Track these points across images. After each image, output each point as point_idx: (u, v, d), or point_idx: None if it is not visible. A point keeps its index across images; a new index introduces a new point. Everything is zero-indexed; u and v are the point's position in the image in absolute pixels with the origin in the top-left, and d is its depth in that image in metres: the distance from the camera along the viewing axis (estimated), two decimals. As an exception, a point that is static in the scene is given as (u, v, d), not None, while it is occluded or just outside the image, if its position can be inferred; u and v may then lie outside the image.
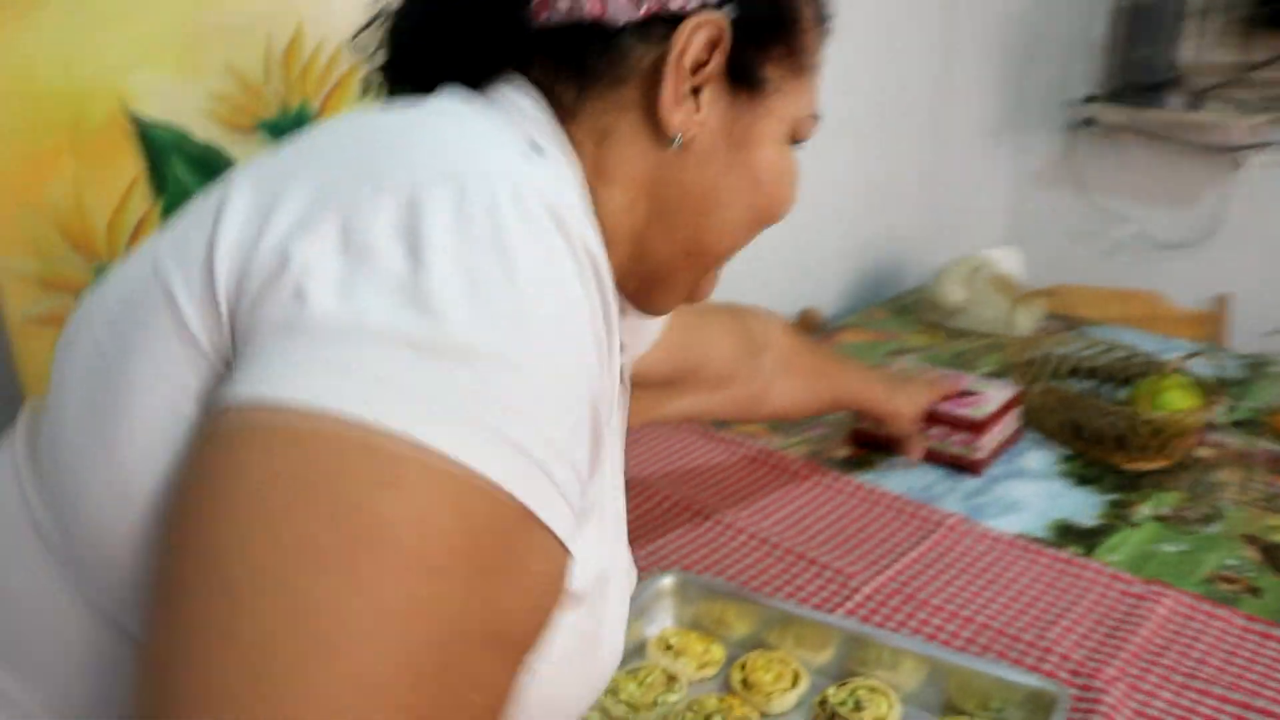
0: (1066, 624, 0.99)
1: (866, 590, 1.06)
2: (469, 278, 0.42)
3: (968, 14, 2.13)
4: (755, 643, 0.96)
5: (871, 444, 1.35)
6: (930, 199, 2.19)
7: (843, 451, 1.36)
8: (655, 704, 0.89)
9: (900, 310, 1.93)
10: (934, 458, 1.31)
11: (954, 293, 1.83)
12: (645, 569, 1.09)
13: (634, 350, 0.86)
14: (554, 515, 0.44)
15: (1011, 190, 2.43)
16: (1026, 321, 1.75)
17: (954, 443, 1.29)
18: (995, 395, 1.32)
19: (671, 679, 0.92)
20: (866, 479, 1.28)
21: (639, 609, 0.99)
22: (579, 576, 0.54)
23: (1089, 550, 1.12)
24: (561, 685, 0.57)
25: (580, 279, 0.46)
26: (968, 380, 1.37)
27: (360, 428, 0.40)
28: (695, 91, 0.59)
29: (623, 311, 0.65)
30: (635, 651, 0.97)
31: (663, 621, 1.01)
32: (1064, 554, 1.10)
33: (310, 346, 0.41)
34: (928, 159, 2.16)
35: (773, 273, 1.83)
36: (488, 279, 0.43)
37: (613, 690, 0.91)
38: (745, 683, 0.91)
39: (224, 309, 0.44)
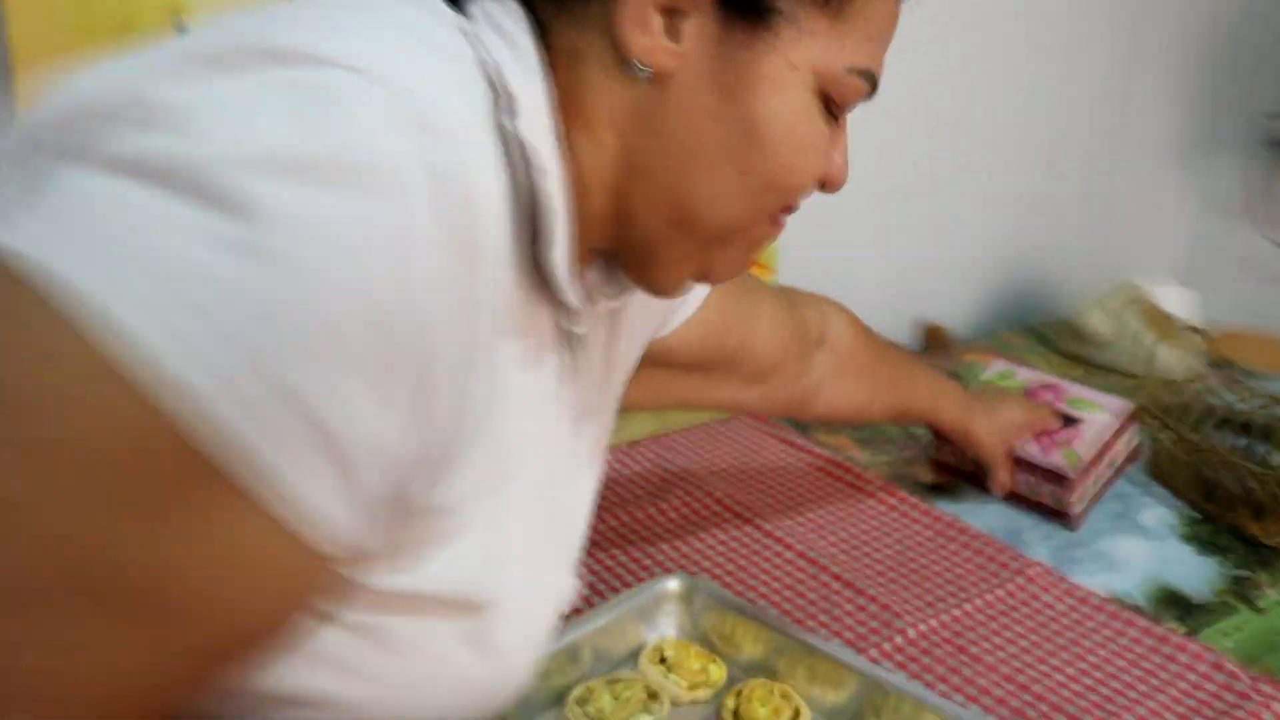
0: (1144, 712, 0.82)
1: (913, 633, 0.91)
2: (267, 151, 0.35)
3: (1160, 23, 1.91)
4: (762, 669, 0.83)
5: (953, 474, 1.19)
6: (1092, 219, 1.98)
7: (931, 476, 1.20)
8: (626, 721, 0.78)
9: (1038, 337, 1.73)
10: (1021, 501, 1.14)
11: (1101, 323, 1.63)
12: (667, 570, 0.97)
13: (650, 322, 0.73)
14: (290, 478, 0.35)
15: (1189, 219, 2.18)
16: (1177, 363, 1.53)
17: (1044, 493, 1.11)
18: (1100, 421, 1.12)
19: (653, 697, 0.80)
20: (949, 509, 1.12)
21: (639, 610, 0.87)
22: (449, 582, 0.47)
23: (1194, 629, 0.93)
24: (421, 696, 0.49)
25: (426, 197, 0.37)
26: (1070, 391, 1.16)
27: (45, 278, 0.31)
28: (672, 14, 0.48)
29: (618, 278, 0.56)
30: (626, 659, 0.86)
31: (663, 629, 0.89)
32: (1160, 628, 0.92)
33: (54, 198, 0.35)
34: (1095, 175, 1.95)
35: (893, 279, 1.67)
36: (287, 154, 0.35)
37: (582, 699, 0.79)
38: (736, 715, 0.78)
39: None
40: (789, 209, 0.55)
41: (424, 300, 0.37)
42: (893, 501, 1.14)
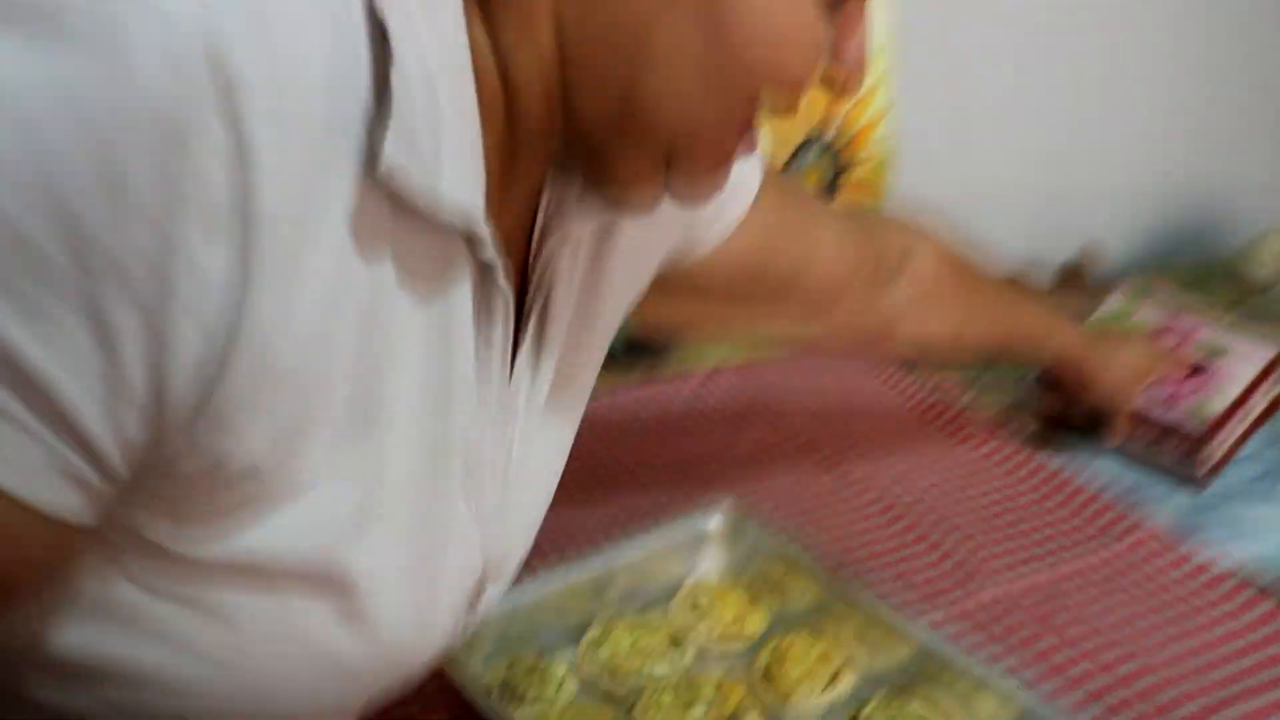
0: (1252, 709, 0.70)
1: (988, 595, 0.80)
2: None
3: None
4: (808, 624, 0.74)
5: (1061, 426, 1.04)
6: (1267, 152, 1.75)
7: (1035, 427, 1.07)
8: (639, 671, 0.70)
9: (1195, 277, 1.54)
10: (1139, 459, 0.99)
11: (1266, 266, 1.44)
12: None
13: (658, 244, 0.62)
14: None
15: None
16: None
17: (1166, 450, 0.97)
18: (1235, 369, 0.96)
19: (676, 644, 0.72)
20: (1057, 461, 0.99)
21: (676, 546, 0.79)
22: (289, 551, 0.41)
23: (1335, 615, 0.79)
24: (280, 677, 0.44)
25: (158, 62, 0.30)
26: (1202, 333, 1.00)
27: None
28: None
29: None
30: (659, 599, 0.78)
31: (704, 570, 0.81)
32: (1292, 611, 0.79)
33: None
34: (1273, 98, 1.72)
35: (1030, 211, 1.51)
36: None
37: (598, 640, 0.72)
38: (769, 671, 0.70)
39: None
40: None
41: (136, 197, 0.30)
42: (991, 448, 1.02)
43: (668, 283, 0.65)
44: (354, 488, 0.41)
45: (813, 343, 0.88)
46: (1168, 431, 0.95)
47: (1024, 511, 0.92)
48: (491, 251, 0.41)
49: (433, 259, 0.41)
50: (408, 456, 0.43)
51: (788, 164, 1.16)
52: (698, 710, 0.65)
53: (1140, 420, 0.97)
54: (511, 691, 0.67)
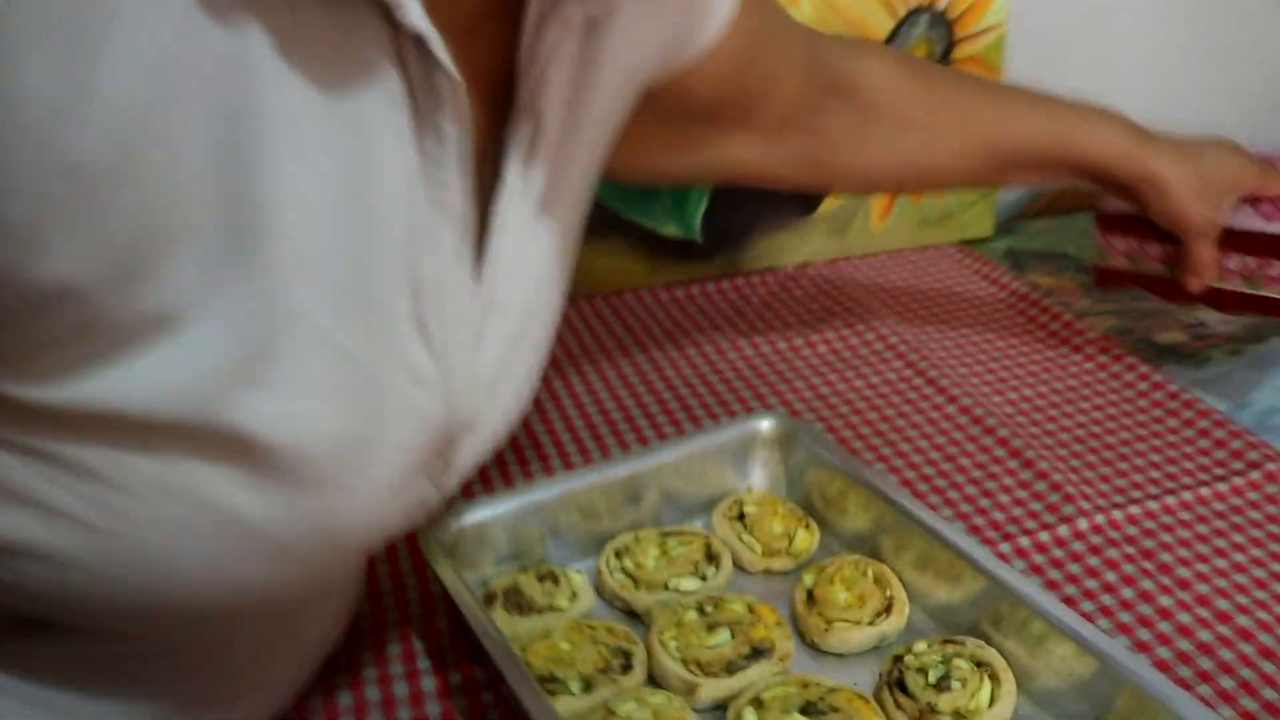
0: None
1: (1088, 523, 0.69)
2: None
3: None
4: (864, 546, 0.65)
5: (1130, 281, 0.86)
6: None
7: (1172, 335, 0.93)
8: (664, 586, 0.62)
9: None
10: (1238, 303, 0.81)
11: None
12: (795, 413, 0.80)
13: (654, 38, 0.53)
14: None
15: None
16: None
17: (1267, 277, 0.78)
18: None
19: (711, 560, 0.64)
20: (1181, 378, 0.86)
21: (723, 451, 0.71)
22: (161, 400, 0.33)
23: None
24: (165, 536, 0.37)
25: None
26: None
27: None
28: None
29: None
30: (701, 510, 0.70)
31: (754, 478, 0.72)
32: None
33: None
34: None
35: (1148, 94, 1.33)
36: None
37: (624, 550, 0.65)
38: (812, 595, 0.61)
39: None
40: None
41: None
42: (1105, 360, 0.89)
43: (652, 99, 0.56)
44: (241, 325, 0.33)
45: (755, 171, 0.75)
46: (1270, 242, 0.76)
47: (1138, 433, 0.80)
48: (414, 14, 0.32)
49: (328, 29, 0.32)
50: (316, 283, 0.35)
51: (893, 34, 1.03)
52: (722, 634, 0.57)
53: (1239, 240, 0.77)
54: (517, 599, 0.60)
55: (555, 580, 0.62)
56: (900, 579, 0.62)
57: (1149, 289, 0.85)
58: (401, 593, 0.65)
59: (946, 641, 0.57)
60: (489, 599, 0.61)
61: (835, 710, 0.52)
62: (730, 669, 0.56)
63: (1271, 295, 0.78)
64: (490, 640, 0.52)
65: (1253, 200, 0.77)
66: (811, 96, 0.70)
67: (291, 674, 0.54)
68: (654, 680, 0.57)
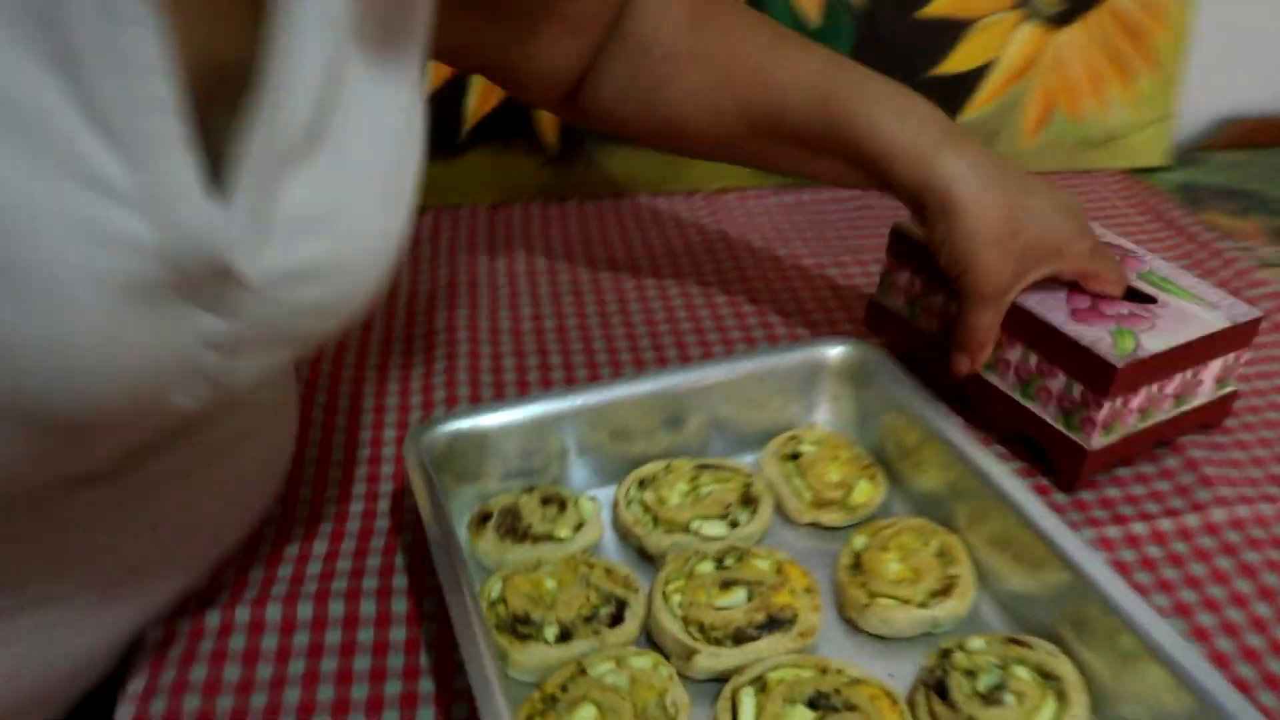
0: None
1: (1225, 515, 0.56)
2: None
3: None
4: (935, 512, 0.55)
5: (896, 335, 0.68)
6: None
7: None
8: (685, 528, 0.53)
9: None
10: (999, 410, 0.61)
11: None
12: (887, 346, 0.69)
13: None
14: None
15: None
16: None
17: (1051, 394, 0.58)
18: (1191, 317, 0.57)
19: (749, 503, 0.55)
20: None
21: (786, 377, 0.60)
22: None
23: None
24: None
25: None
26: (1155, 265, 0.62)
27: None
28: None
29: None
30: (748, 443, 0.60)
31: (819, 414, 0.61)
32: None
33: None
34: None
35: None
36: None
37: (647, 480, 0.56)
38: (860, 560, 0.51)
39: None
40: None
41: None
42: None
43: None
44: None
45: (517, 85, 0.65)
46: (1069, 354, 0.56)
47: (1307, 412, 0.66)
48: None
49: None
50: None
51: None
52: (736, 594, 0.48)
53: (1029, 327, 0.58)
54: (513, 523, 0.52)
55: (561, 506, 0.54)
56: (971, 557, 0.51)
57: (914, 350, 0.65)
58: (401, 500, 0.58)
59: (1011, 641, 0.46)
60: (481, 519, 0.53)
61: (852, 709, 0.43)
62: (738, 638, 0.46)
63: (1036, 413, 0.58)
64: (442, 566, 0.45)
65: (1070, 291, 0.59)
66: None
67: (207, 545, 0.49)
68: (650, 639, 0.49)
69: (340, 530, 0.55)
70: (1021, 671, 0.44)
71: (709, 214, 0.89)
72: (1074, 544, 0.47)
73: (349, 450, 0.61)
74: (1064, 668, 0.44)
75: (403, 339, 0.72)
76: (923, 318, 0.65)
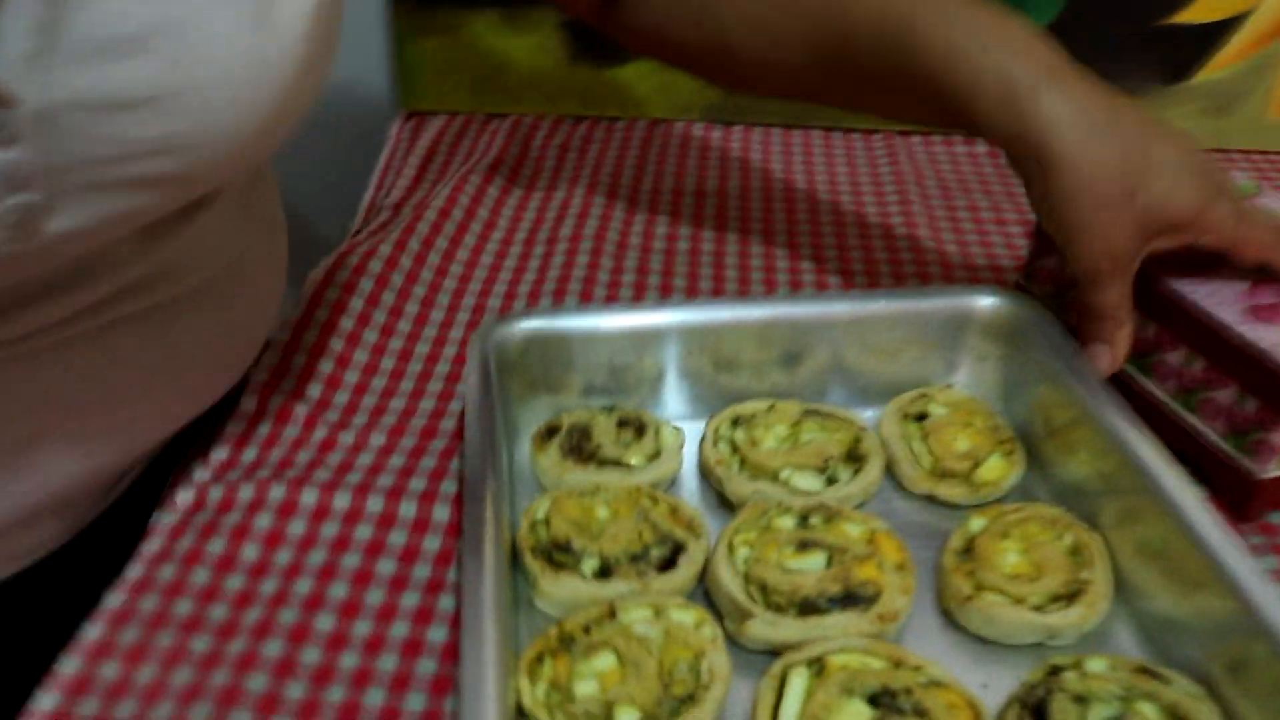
0: None
1: None
2: None
3: None
4: (1081, 506, 0.45)
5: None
6: None
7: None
8: (774, 476, 0.46)
9: None
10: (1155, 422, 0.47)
11: None
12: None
13: None
14: None
15: None
16: None
17: (1206, 402, 0.47)
18: None
19: (855, 459, 0.47)
20: None
21: (925, 324, 0.52)
22: None
23: None
24: None
25: None
26: None
27: None
28: None
29: None
30: (872, 396, 0.52)
31: (960, 374, 0.53)
32: None
33: None
34: None
35: None
36: None
37: (740, 419, 0.49)
38: (974, 546, 0.43)
39: None
40: None
41: None
42: None
43: None
44: None
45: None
46: (1238, 357, 0.45)
47: None
48: None
49: None
50: None
51: None
52: (814, 558, 0.41)
53: (1187, 325, 0.47)
54: (581, 443, 0.46)
55: (640, 431, 0.47)
56: (1110, 562, 0.42)
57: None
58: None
59: (1143, 671, 0.37)
60: (548, 433, 0.47)
61: (921, 715, 0.35)
62: (805, 608, 0.39)
63: (1199, 429, 0.47)
64: (473, 470, 0.39)
65: (1253, 282, 0.47)
66: None
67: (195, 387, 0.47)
68: (707, 596, 0.42)
69: (402, 426, 0.51)
70: (1148, 709, 0.35)
71: (886, 154, 0.80)
72: (1248, 568, 0.38)
73: (435, 344, 0.57)
74: (1205, 714, 0.35)
75: (523, 241, 0.67)
76: (1072, 314, 0.51)
